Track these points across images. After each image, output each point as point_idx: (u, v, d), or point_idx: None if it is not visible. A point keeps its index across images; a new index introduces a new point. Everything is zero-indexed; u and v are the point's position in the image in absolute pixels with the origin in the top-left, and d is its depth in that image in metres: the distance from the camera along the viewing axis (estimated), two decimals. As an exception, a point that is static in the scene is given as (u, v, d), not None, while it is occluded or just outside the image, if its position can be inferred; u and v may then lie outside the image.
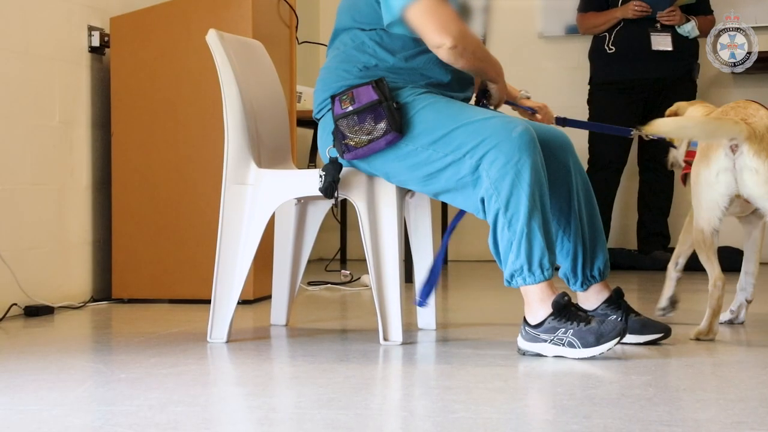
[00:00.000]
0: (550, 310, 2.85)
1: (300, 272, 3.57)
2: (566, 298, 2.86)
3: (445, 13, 2.99)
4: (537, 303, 2.88)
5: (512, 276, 2.89)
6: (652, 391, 2.44)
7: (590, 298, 3.14)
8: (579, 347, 2.80)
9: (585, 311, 2.92)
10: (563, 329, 2.82)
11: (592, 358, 2.80)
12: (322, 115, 3.15)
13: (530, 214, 2.85)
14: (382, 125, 2.96)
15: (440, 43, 2.99)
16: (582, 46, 6.15)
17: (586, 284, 3.13)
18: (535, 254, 2.86)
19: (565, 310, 2.85)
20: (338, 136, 3.01)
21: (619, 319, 3.05)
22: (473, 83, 3.23)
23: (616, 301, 3.13)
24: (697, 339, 3.16)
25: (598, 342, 2.79)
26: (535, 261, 2.86)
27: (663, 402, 2.31)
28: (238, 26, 4.11)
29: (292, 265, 3.52)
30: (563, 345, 2.82)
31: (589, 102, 5.91)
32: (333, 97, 3.03)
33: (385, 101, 2.96)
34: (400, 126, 2.97)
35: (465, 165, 2.93)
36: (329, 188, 3.02)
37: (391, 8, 3.01)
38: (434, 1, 2.98)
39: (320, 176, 3.04)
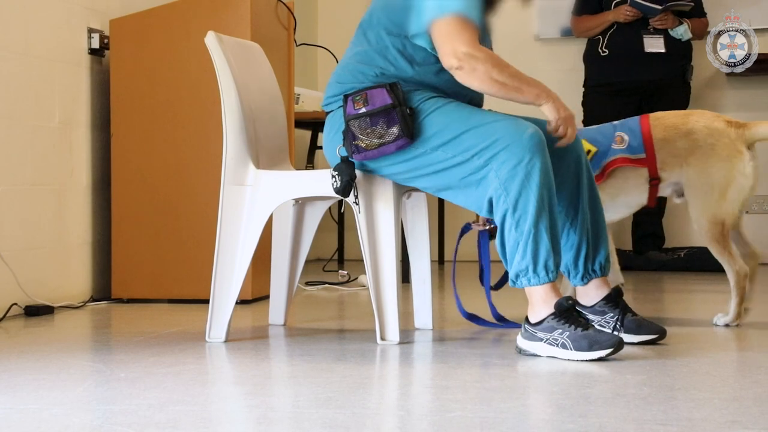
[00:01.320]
0: (552, 310, 2.87)
1: (298, 272, 3.58)
2: (570, 301, 2.88)
3: (461, 35, 2.93)
4: (540, 303, 2.89)
5: (517, 276, 2.91)
6: (647, 391, 2.45)
7: (590, 293, 3.16)
8: (571, 349, 2.82)
9: (586, 318, 2.93)
10: (560, 330, 2.84)
11: (581, 362, 2.81)
12: (331, 110, 3.13)
13: (538, 215, 2.86)
14: (395, 130, 2.95)
15: (449, 64, 2.95)
16: (577, 49, 6.17)
17: (586, 278, 3.14)
18: (541, 256, 2.87)
19: (566, 313, 2.86)
20: (348, 136, 3.00)
21: (616, 328, 3.06)
22: None
23: (614, 299, 3.14)
24: (726, 326, 3.43)
25: (591, 348, 2.80)
26: (540, 262, 2.87)
27: (658, 401, 2.32)
28: (237, 28, 4.13)
29: (290, 266, 3.54)
30: (557, 346, 2.84)
31: (583, 104, 5.92)
32: (346, 97, 3.02)
33: (398, 106, 2.95)
34: (412, 132, 2.95)
35: (471, 165, 2.93)
36: (346, 188, 3.01)
37: (421, 19, 2.99)
38: (454, 21, 2.94)
39: (333, 176, 3.03)
